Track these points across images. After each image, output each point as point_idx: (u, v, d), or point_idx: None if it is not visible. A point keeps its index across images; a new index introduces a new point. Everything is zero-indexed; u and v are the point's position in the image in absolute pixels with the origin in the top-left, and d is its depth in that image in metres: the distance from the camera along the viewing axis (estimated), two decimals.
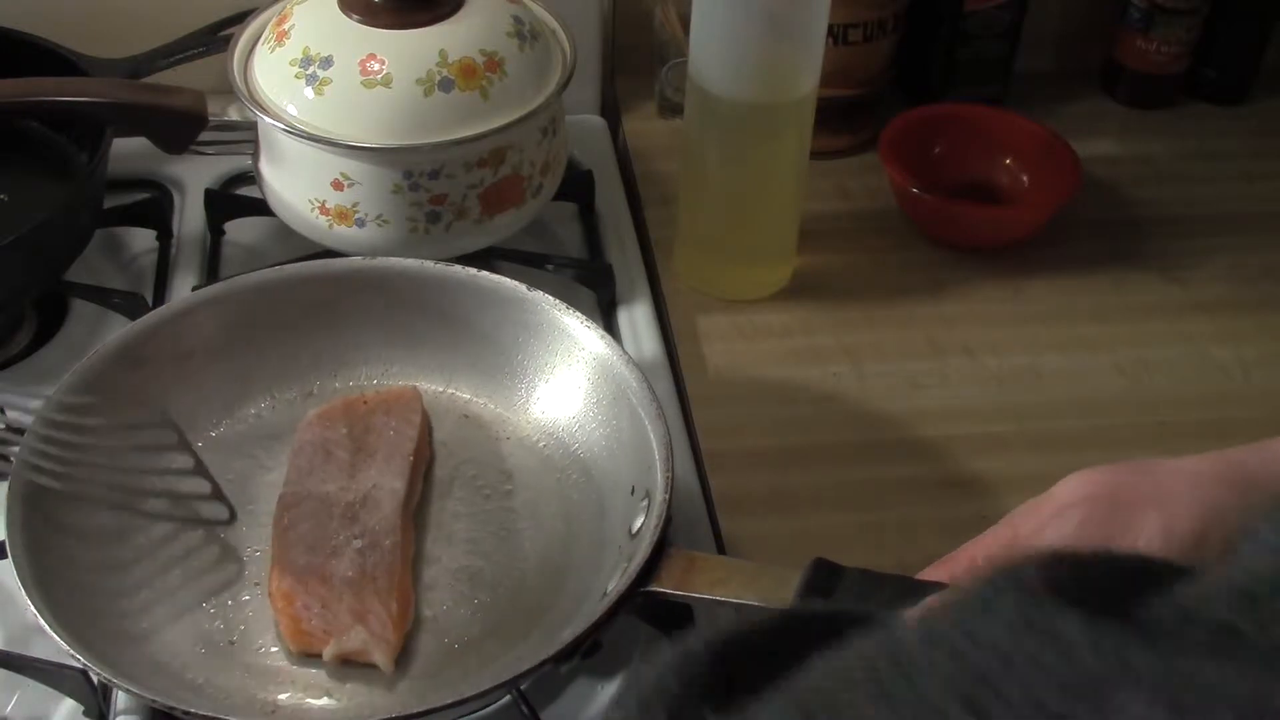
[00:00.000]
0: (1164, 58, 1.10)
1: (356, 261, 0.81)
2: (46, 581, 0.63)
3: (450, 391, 0.81)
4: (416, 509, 0.74)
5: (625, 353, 0.75)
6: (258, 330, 0.79)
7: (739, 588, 0.59)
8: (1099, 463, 0.87)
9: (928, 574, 0.58)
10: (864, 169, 1.04)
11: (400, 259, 0.80)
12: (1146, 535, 0.48)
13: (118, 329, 0.78)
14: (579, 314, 0.77)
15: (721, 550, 0.75)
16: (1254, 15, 1.11)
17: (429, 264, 0.79)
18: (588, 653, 0.66)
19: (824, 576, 0.55)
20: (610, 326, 0.90)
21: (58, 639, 0.60)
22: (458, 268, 0.79)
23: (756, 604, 0.57)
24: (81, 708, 0.66)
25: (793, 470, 0.81)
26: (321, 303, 0.80)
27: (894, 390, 0.86)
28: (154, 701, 0.59)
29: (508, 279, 0.78)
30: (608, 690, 0.67)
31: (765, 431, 0.83)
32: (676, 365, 0.87)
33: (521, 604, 0.69)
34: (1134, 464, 0.51)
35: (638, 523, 0.67)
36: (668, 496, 0.65)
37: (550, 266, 0.92)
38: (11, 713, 0.66)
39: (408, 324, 0.80)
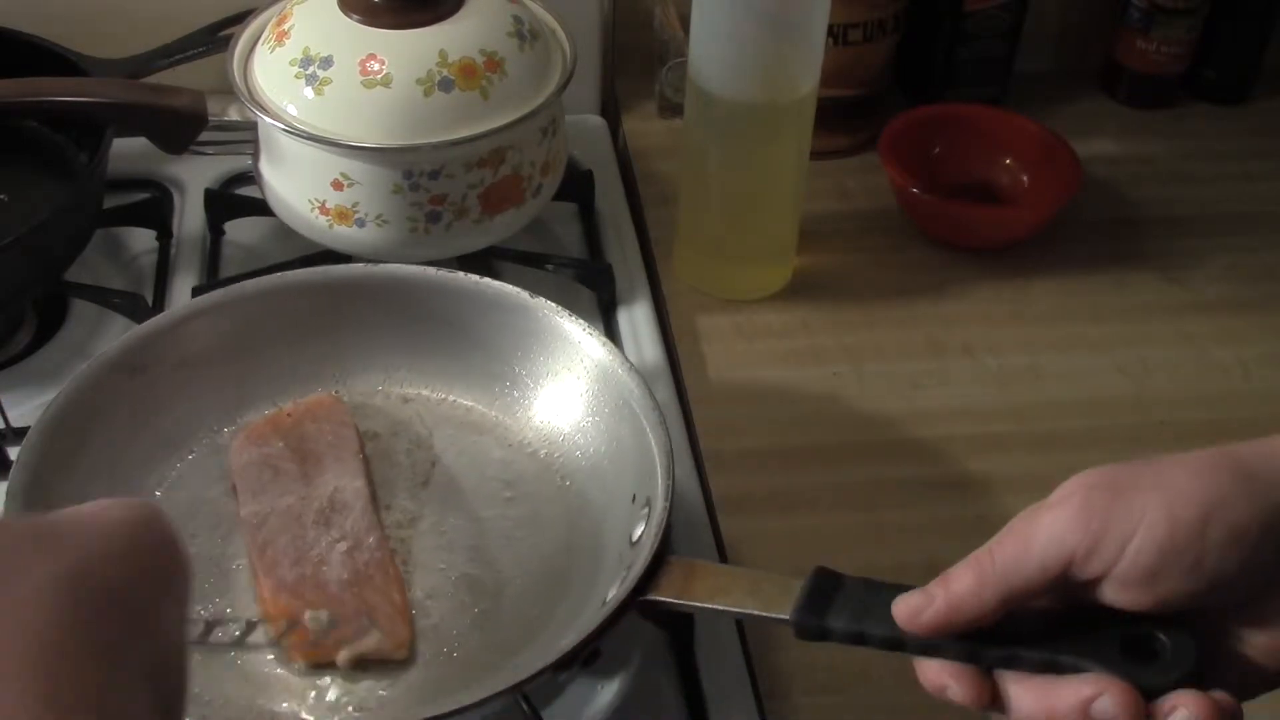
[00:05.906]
0: (1164, 58, 1.10)
1: (359, 269, 0.80)
2: None
3: (451, 398, 0.80)
4: (416, 517, 0.73)
5: (626, 359, 0.74)
6: (260, 337, 0.78)
7: (741, 596, 0.58)
8: (1099, 463, 0.87)
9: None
10: (864, 169, 1.04)
11: (403, 266, 0.80)
12: (1149, 519, 0.47)
13: (118, 329, 0.77)
14: (580, 320, 0.77)
15: (721, 550, 0.75)
16: (1254, 15, 1.11)
17: (430, 270, 0.79)
18: (587, 661, 0.66)
19: (825, 585, 0.55)
20: (610, 326, 0.90)
21: None
22: (460, 274, 0.79)
23: (758, 614, 0.57)
24: None
25: (793, 470, 0.81)
26: (324, 310, 0.79)
27: (894, 390, 0.86)
28: None
29: (510, 285, 0.78)
30: (608, 690, 0.67)
31: (765, 432, 0.83)
32: (676, 366, 0.87)
33: (522, 613, 0.69)
34: (1133, 461, 0.51)
35: (638, 531, 0.66)
36: (668, 504, 0.65)
37: (550, 266, 0.92)
38: None
39: (410, 331, 0.80)
